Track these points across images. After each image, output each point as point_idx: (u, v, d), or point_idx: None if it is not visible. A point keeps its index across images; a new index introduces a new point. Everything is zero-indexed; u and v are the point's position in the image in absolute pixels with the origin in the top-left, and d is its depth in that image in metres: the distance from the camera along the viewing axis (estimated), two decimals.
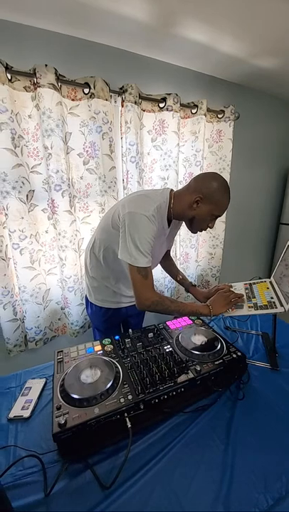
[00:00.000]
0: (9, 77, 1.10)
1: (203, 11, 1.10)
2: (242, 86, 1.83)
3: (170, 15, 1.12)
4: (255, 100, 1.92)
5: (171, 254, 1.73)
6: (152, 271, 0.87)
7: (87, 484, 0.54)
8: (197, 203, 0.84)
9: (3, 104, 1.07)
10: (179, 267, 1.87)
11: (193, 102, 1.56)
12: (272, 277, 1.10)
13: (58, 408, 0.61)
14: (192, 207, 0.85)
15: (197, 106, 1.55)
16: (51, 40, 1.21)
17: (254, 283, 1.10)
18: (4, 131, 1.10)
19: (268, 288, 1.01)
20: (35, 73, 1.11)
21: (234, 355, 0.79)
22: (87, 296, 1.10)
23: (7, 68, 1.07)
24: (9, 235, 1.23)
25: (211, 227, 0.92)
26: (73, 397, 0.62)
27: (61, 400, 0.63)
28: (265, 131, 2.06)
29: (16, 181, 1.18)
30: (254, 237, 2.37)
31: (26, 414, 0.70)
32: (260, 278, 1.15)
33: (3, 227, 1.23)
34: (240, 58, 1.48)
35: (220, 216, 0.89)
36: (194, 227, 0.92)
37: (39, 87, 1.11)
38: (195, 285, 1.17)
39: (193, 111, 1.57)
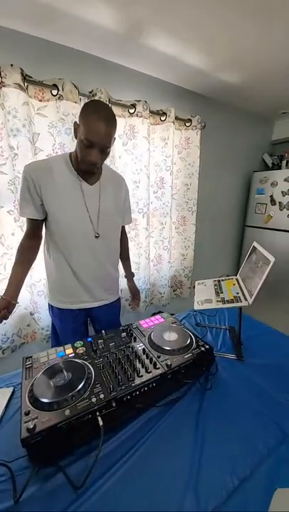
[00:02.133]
0: None
1: (170, 23, 1.16)
2: (207, 97, 1.96)
3: (138, 23, 1.16)
4: (220, 111, 2.07)
5: (145, 254, 1.77)
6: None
7: (59, 487, 0.53)
8: (75, 131, 0.84)
9: None
10: (152, 268, 1.91)
11: (162, 110, 1.63)
12: (238, 275, 1.19)
13: (27, 414, 0.59)
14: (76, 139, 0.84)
15: (166, 113, 1.62)
16: (18, 40, 1.18)
17: (222, 280, 1.18)
18: None
19: (234, 284, 1.10)
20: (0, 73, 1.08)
21: (202, 348, 0.84)
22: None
23: None
24: None
25: (92, 160, 0.82)
26: (42, 402, 0.61)
27: (30, 405, 0.61)
28: (230, 139, 2.22)
29: None
30: (222, 238, 2.52)
31: None
32: (228, 275, 1.23)
33: None
34: (204, 71, 1.58)
35: (91, 142, 0.79)
36: (78, 159, 0.86)
37: (4, 86, 1.08)
38: (134, 275, 1.32)
39: (162, 118, 1.64)
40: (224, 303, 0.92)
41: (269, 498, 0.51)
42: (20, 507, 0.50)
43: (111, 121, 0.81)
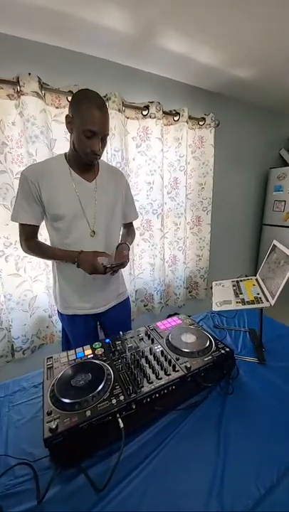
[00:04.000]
0: None
1: (182, 23, 1.16)
2: (221, 95, 1.92)
3: (150, 26, 1.17)
4: (234, 108, 2.03)
5: (160, 255, 1.76)
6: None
7: (80, 488, 0.54)
8: (69, 126, 0.83)
9: None
10: (167, 269, 1.90)
11: (175, 110, 1.62)
12: (257, 275, 1.15)
13: (49, 413, 0.60)
14: (70, 134, 0.84)
15: (179, 113, 1.61)
16: (35, 49, 1.23)
17: (241, 280, 1.14)
18: None
19: (254, 285, 1.06)
20: (18, 81, 1.12)
21: (222, 351, 0.81)
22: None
23: None
24: None
25: (95, 150, 0.83)
26: (64, 402, 0.62)
27: (52, 405, 0.62)
28: (245, 136, 2.17)
29: (0, 188, 1.17)
30: (239, 237, 2.45)
31: None
32: (246, 276, 1.19)
33: None
34: (217, 68, 1.56)
35: (92, 131, 0.79)
36: (79, 153, 0.85)
37: (22, 94, 1.13)
38: (123, 243, 1.04)
39: (176, 118, 1.63)
40: (244, 304, 0.88)
41: None
42: (43, 507, 0.50)
43: (105, 108, 0.82)
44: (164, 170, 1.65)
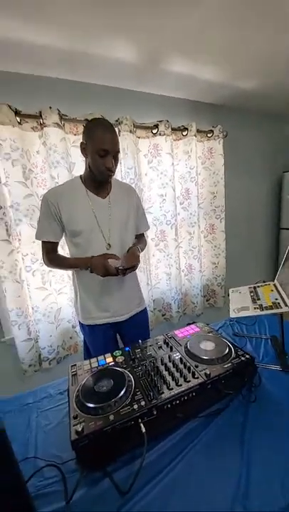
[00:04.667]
0: (19, 120, 1.25)
1: (184, 47, 1.25)
2: (227, 106, 1.98)
3: (155, 54, 1.28)
4: (241, 117, 2.07)
5: (175, 265, 1.78)
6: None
7: (106, 491, 0.55)
8: (84, 151, 0.93)
9: (15, 143, 1.22)
10: (183, 278, 1.91)
11: (183, 126, 1.70)
12: (275, 280, 1.13)
13: (75, 417, 0.63)
14: (85, 158, 0.95)
15: (187, 129, 1.69)
16: (54, 84, 1.39)
17: (258, 286, 1.13)
18: (16, 167, 1.23)
19: (272, 290, 1.04)
20: (41, 115, 1.26)
21: (243, 358, 0.80)
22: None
23: (16, 113, 1.23)
24: (22, 258, 1.32)
25: (109, 166, 0.92)
26: (89, 406, 0.65)
27: (77, 409, 0.66)
28: (255, 143, 2.19)
29: (28, 209, 1.29)
30: (256, 243, 2.41)
31: None
32: (264, 281, 1.18)
33: (17, 252, 1.33)
34: (221, 83, 1.63)
35: (105, 150, 0.89)
36: (95, 173, 0.95)
37: (45, 126, 1.26)
38: (134, 246, 1.09)
39: (184, 133, 1.71)
40: (262, 309, 0.88)
41: None
42: (71, 508, 0.53)
43: (113, 129, 0.93)
44: (175, 182, 1.71)
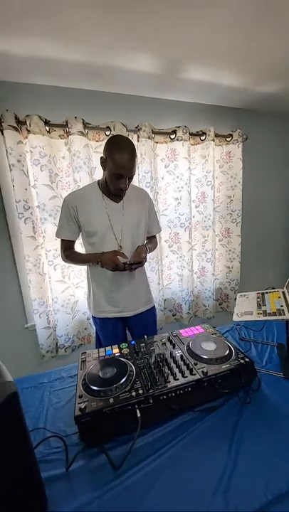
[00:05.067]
0: (48, 129, 1.38)
1: (204, 56, 1.29)
2: (248, 110, 1.96)
3: (175, 63, 1.33)
4: (262, 120, 2.03)
5: (188, 267, 1.81)
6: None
7: (101, 465, 0.62)
8: (103, 165, 1.00)
9: (44, 150, 1.35)
10: (195, 280, 1.93)
11: (201, 131, 1.73)
12: (284, 287, 1.12)
13: (80, 397, 0.71)
14: (104, 171, 1.02)
15: (205, 133, 1.71)
16: (78, 95, 1.50)
17: (267, 292, 1.13)
18: (44, 171, 1.37)
19: (279, 297, 1.04)
20: (67, 124, 1.38)
21: (242, 361, 0.82)
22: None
23: (46, 123, 1.36)
24: (45, 253, 1.46)
25: (122, 187, 1.00)
26: (92, 388, 0.73)
27: (82, 390, 0.74)
28: (275, 147, 2.13)
29: (52, 210, 1.42)
30: (274, 249, 2.33)
31: None
32: (273, 288, 1.17)
33: (41, 248, 1.47)
34: (242, 88, 1.63)
35: (121, 174, 0.97)
36: (109, 187, 1.03)
37: (70, 134, 1.38)
38: (142, 245, 1.15)
39: (202, 138, 1.73)
40: (265, 315, 0.88)
41: None
42: (70, 475, 0.61)
43: (133, 153, 0.99)
44: (191, 186, 1.74)
